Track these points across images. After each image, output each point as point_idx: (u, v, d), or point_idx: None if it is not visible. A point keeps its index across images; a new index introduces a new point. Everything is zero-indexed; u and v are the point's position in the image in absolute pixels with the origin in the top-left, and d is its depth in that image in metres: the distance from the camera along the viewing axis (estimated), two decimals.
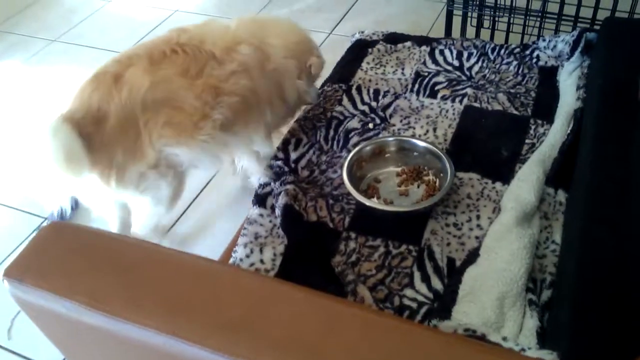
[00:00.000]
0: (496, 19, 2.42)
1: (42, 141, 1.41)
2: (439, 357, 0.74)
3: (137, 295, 0.84)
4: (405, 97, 1.78)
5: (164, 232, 1.90)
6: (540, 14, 2.29)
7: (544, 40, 1.88)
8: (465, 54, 1.91)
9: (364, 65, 1.92)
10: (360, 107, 1.74)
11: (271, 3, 3.51)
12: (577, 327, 0.98)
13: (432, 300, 1.20)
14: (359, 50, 1.99)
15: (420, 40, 2.01)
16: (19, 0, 3.80)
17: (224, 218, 2.10)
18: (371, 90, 1.80)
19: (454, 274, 1.24)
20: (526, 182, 1.37)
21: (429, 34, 2.89)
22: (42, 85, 3.04)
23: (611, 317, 0.96)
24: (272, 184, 1.50)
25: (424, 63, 1.90)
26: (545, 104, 1.67)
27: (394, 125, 1.68)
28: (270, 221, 1.42)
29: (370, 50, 1.98)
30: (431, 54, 1.93)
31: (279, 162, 1.57)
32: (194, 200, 2.23)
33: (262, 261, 1.31)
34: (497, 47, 1.91)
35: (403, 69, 1.90)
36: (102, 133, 1.38)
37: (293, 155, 1.61)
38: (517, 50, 1.89)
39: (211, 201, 2.24)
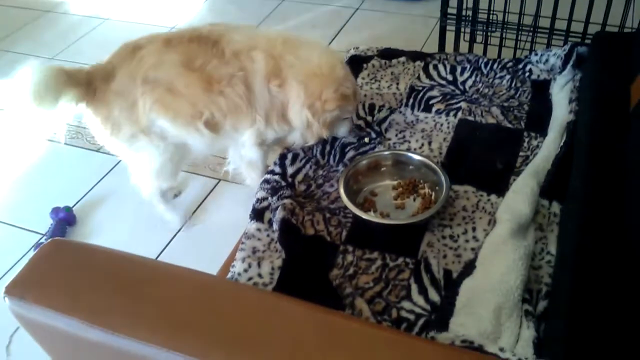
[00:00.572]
0: (489, 34, 2.45)
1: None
2: None
3: (137, 311, 0.85)
4: (400, 112, 1.80)
5: (168, 200, 2.14)
6: (532, 29, 2.33)
7: (536, 54, 1.91)
8: (459, 69, 1.94)
9: (359, 80, 1.94)
10: (356, 121, 1.75)
11: (268, 18, 3.55)
12: (572, 338, 0.98)
13: (429, 312, 1.21)
14: (354, 65, 2.01)
15: (415, 56, 2.04)
16: (17, 19, 3.83)
17: (222, 232, 2.10)
18: (366, 105, 1.82)
19: (450, 285, 1.25)
20: (521, 194, 1.39)
21: (422, 49, 2.93)
22: None
23: (606, 328, 0.97)
24: (269, 198, 1.51)
25: (418, 78, 1.93)
26: (538, 117, 1.69)
27: (389, 139, 1.70)
28: (268, 235, 1.43)
29: (365, 65, 2.00)
30: (425, 68, 1.96)
31: (276, 177, 1.59)
32: (192, 214, 2.24)
33: (260, 275, 1.32)
34: (490, 62, 1.93)
35: (398, 83, 1.92)
36: (106, 89, 1.62)
37: (290, 170, 1.62)
38: (510, 64, 1.91)
39: (209, 215, 2.25)
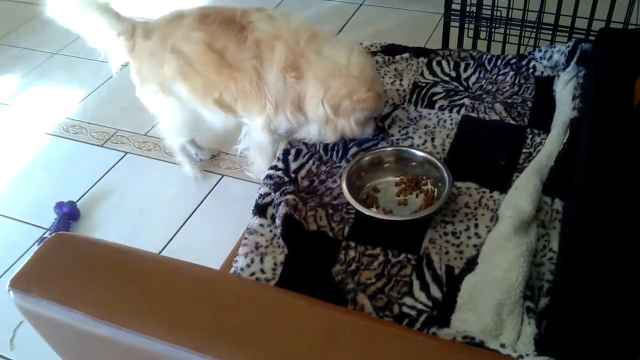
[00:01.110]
0: (493, 30, 2.44)
1: None
2: None
3: (142, 305, 0.85)
4: (404, 108, 1.80)
5: (188, 156, 2.33)
6: (536, 25, 2.32)
7: (540, 51, 1.90)
8: (463, 65, 1.93)
9: None
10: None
11: None
12: (573, 334, 0.99)
13: (431, 308, 1.21)
14: None
15: (418, 52, 2.04)
16: (20, 14, 3.83)
17: (224, 228, 2.11)
18: None
19: (452, 282, 1.25)
20: (523, 191, 1.39)
21: (426, 45, 2.93)
22: (43, 98, 3.06)
23: (607, 324, 0.98)
24: (272, 194, 1.52)
25: (422, 74, 1.93)
26: (542, 113, 1.69)
27: (392, 135, 1.70)
28: (271, 231, 1.43)
29: None
30: (429, 65, 1.96)
31: (279, 172, 1.59)
32: (195, 210, 2.25)
33: (262, 271, 1.33)
34: (494, 58, 1.93)
35: (401, 80, 1.92)
36: (142, 46, 1.81)
37: (293, 166, 1.62)
38: (514, 60, 1.91)
39: (212, 211, 2.25)
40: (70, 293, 0.87)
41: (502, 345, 1.05)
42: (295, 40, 1.61)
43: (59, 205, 2.23)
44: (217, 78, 1.71)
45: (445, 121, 1.72)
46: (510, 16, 2.35)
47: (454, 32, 2.52)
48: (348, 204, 1.45)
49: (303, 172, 1.61)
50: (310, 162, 1.64)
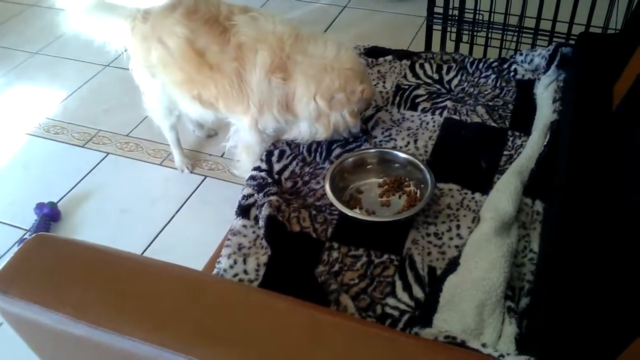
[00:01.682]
0: (475, 33, 2.47)
1: None
2: None
3: (123, 306, 0.85)
4: (387, 110, 1.81)
5: (180, 147, 2.37)
6: (517, 29, 2.35)
7: (521, 54, 1.92)
8: (445, 68, 1.95)
9: None
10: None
11: None
12: (553, 334, 1.00)
13: (413, 309, 1.22)
14: None
15: (401, 54, 2.05)
16: (0, 13, 3.79)
17: (207, 229, 2.11)
18: None
19: (434, 282, 1.26)
20: (504, 193, 1.40)
21: (409, 48, 2.94)
22: (23, 98, 3.02)
23: (586, 324, 0.99)
24: (255, 195, 1.51)
25: (405, 76, 1.94)
26: (523, 116, 1.71)
27: (375, 137, 1.71)
28: (254, 232, 1.43)
29: None
30: (412, 67, 1.97)
31: (263, 174, 1.59)
32: (178, 211, 2.24)
33: (245, 272, 1.32)
34: (476, 61, 1.95)
35: (384, 82, 1.93)
36: (139, 29, 1.86)
37: (276, 167, 1.62)
38: (495, 64, 1.93)
39: (195, 212, 2.24)
40: (50, 294, 0.86)
41: (484, 345, 1.06)
42: (280, 45, 1.61)
43: (39, 206, 2.20)
44: (196, 76, 1.73)
45: (427, 123, 1.73)
46: (492, 20, 2.37)
47: (436, 35, 2.54)
48: (331, 205, 1.45)
49: (286, 173, 1.61)
50: (294, 163, 1.64)
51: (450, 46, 2.54)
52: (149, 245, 2.11)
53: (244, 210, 1.48)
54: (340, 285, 1.27)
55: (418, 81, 1.91)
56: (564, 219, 1.24)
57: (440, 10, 2.43)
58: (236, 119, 1.82)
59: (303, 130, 1.69)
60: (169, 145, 2.38)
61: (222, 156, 2.48)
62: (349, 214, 1.41)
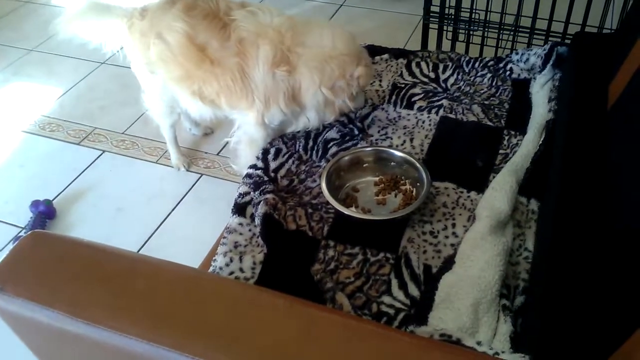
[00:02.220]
0: (471, 32, 2.47)
1: None
2: None
3: (119, 304, 0.85)
4: (383, 108, 1.81)
5: (177, 146, 2.38)
6: (513, 29, 2.36)
7: (517, 53, 1.93)
8: (441, 67, 1.95)
9: None
10: (339, 117, 1.76)
11: None
12: (547, 332, 1.01)
13: (409, 307, 1.22)
14: None
15: (397, 53, 2.05)
16: None
17: (203, 227, 2.11)
18: None
19: (430, 280, 1.27)
20: (500, 192, 1.41)
21: (405, 46, 2.95)
22: (19, 95, 3.02)
23: (580, 322, 1.00)
24: (251, 193, 1.52)
25: (401, 75, 1.94)
26: (518, 115, 1.72)
27: (371, 135, 1.71)
28: (250, 230, 1.43)
29: None
30: (408, 66, 1.97)
31: (259, 172, 1.59)
32: (173, 209, 2.24)
33: (241, 270, 1.33)
34: (472, 60, 1.95)
35: (380, 80, 1.93)
36: (137, 27, 1.87)
37: (272, 165, 1.62)
38: (491, 63, 1.94)
39: (191, 210, 2.24)
40: (46, 291, 0.86)
41: (479, 343, 1.06)
42: (280, 38, 1.62)
43: (35, 204, 2.20)
44: (196, 72, 1.73)
45: (423, 122, 1.74)
46: (488, 19, 2.38)
47: (433, 34, 2.54)
48: (327, 203, 1.45)
49: (282, 172, 1.61)
50: (290, 161, 1.64)
51: (446, 45, 2.54)
52: (144, 243, 2.11)
53: (240, 208, 1.48)
54: (336, 283, 1.28)
55: (414, 80, 1.92)
56: (559, 218, 1.24)
57: (437, 9, 2.43)
58: (240, 115, 1.82)
59: (311, 118, 1.72)
60: (165, 143, 2.38)
61: (218, 154, 2.48)
62: (345, 213, 1.41)
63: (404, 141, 1.67)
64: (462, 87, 1.86)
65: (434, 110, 1.77)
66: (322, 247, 1.37)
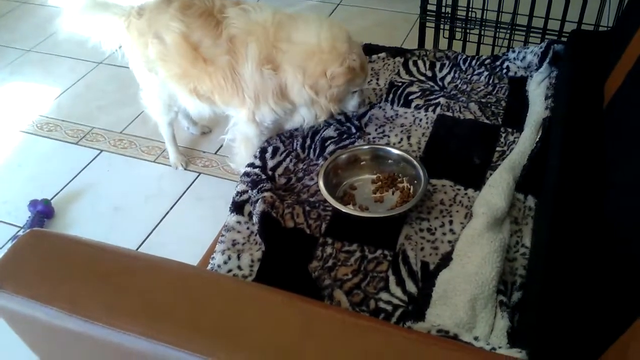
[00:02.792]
0: (467, 31, 2.48)
1: None
2: (413, 355, 0.77)
3: (118, 301, 0.85)
4: (380, 107, 1.81)
5: (175, 144, 2.39)
6: (510, 27, 2.36)
7: (513, 51, 1.94)
8: (438, 65, 1.96)
9: None
10: (336, 116, 1.77)
11: None
12: (545, 327, 1.01)
13: (406, 303, 1.23)
14: None
15: (394, 52, 2.06)
16: None
17: (201, 225, 2.11)
18: None
19: (427, 277, 1.27)
20: (497, 189, 1.41)
21: (402, 45, 2.95)
22: (17, 95, 3.01)
23: (577, 318, 1.00)
24: (249, 191, 1.52)
25: (398, 73, 1.95)
26: (515, 113, 1.72)
27: (369, 134, 1.71)
28: (248, 228, 1.44)
29: None
30: (405, 64, 1.98)
31: (256, 170, 1.59)
32: (171, 207, 2.24)
33: (239, 267, 1.33)
34: (469, 58, 1.96)
35: (378, 79, 1.94)
36: (135, 25, 1.88)
37: (270, 163, 1.63)
38: (488, 61, 1.94)
39: (189, 208, 2.25)
40: (44, 289, 0.87)
41: (476, 339, 1.07)
42: (265, 34, 1.61)
43: (33, 204, 2.20)
44: (192, 70, 1.75)
45: (421, 120, 1.74)
46: (484, 17, 2.38)
47: (429, 33, 2.55)
48: (325, 201, 1.46)
49: (280, 170, 1.62)
50: (288, 159, 1.65)
51: (443, 43, 2.55)
52: (143, 242, 2.11)
53: (238, 207, 1.49)
54: (334, 280, 1.28)
55: (411, 78, 1.92)
56: (555, 215, 1.25)
57: (434, 8, 2.44)
58: (234, 112, 1.83)
59: (305, 115, 1.71)
60: (163, 142, 2.39)
61: (216, 153, 2.48)
62: (343, 210, 1.42)
63: (401, 139, 1.67)
64: (459, 85, 1.87)
65: (431, 108, 1.78)
66: (320, 244, 1.37)
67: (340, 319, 0.83)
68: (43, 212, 2.19)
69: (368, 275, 1.29)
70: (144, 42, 1.85)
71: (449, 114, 1.75)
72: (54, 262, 0.93)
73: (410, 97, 1.83)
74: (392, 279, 1.28)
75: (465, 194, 1.48)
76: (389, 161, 1.58)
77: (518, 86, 1.84)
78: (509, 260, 1.30)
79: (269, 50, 1.60)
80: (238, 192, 1.53)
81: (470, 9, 2.39)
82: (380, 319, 1.19)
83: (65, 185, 2.38)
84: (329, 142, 1.69)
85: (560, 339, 0.97)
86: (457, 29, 2.50)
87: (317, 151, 1.67)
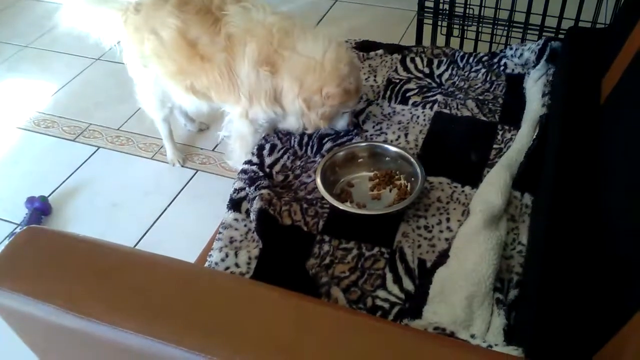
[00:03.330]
0: (465, 28, 2.48)
1: None
2: (409, 352, 0.77)
3: (115, 298, 0.85)
4: (378, 104, 1.81)
5: (172, 140, 2.38)
6: (507, 24, 2.36)
7: (511, 48, 1.93)
8: (436, 62, 1.96)
9: None
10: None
11: None
12: (541, 324, 1.02)
13: (403, 301, 1.23)
14: None
15: (392, 48, 2.06)
16: None
17: (199, 222, 2.11)
18: None
19: (424, 274, 1.28)
20: (494, 186, 1.41)
21: (400, 42, 2.94)
22: (14, 91, 3.01)
23: (573, 315, 1.01)
24: (247, 188, 1.52)
25: (396, 70, 1.95)
26: (512, 110, 1.72)
27: (366, 131, 1.71)
28: (245, 225, 1.44)
29: None
30: (402, 61, 1.98)
31: (254, 167, 1.59)
32: (169, 204, 2.24)
33: (237, 265, 1.33)
34: (466, 55, 1.96)
35: (375, 76, 1.94)
36: (132, 21, 1.87)
37: (268, 160, 1.63)
38: (485, 58, 1.94)
39: (186, 205, 2.25)
40: (42, 286, 0.87)
41: (472, 336, 1.07)
42: (268, 37, 1.61)
43: (30, 200, 2.20)
44: (188, 67, 1.74)
45: (418, 117, 1.74)
46: (482, 14, 2.38)
47: (427, 30, 2.55)
48: (322, 198, 1.46)
49: (278, 167, 1.62)
50: (285, 157, 1.65)
51: (440, 40, 2.55)
52: (140, 239, 2.11)
53: (235, 204, 1.49)
54: (331, 278, 1.28)
55: (409, 75, 1.92)
56: (552, 212, 1.25)
57: (431, 5, 2.44)
58: (229, 108, 1.84)
59: (292, 123, 1.71)
60: (160, 139, 2.38)
61: (213, 150, 2.48)
62: (340, 208, 1.42)
63: (399, 136, 1.67)
64: (457, 82, 1.87)
65: (428, 106, 1.78)
66: (317, 242, 1.38)
67: (338, 316, 0.83)
68: (40, 209, 2.19)
69: (365, 272, 1.30)
70: (140, 38, 1.85)
71: (447, 111, 1.75)
72: (52, 259, 0.92)
73: (407, 94, 1.83)
74: (389, 277, 1.28)
75: (463, 191, 1.48)
76: (387, 158, 1.59)
77: (515, 83, 1.84)
78: (505, 258, 1.30)
79: (270, 53, 1.60)
80: (235, 190, 1.53)
81: (467, 6, 2.38)
82: (377, 316, 1.19)
83: (63, 182, 2.37)
84: (326, 139, 1.69)
85: (557, 336, 0.97)
86: (455, 26, 2.50)
87: (315, 148, 1.67)
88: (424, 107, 1.77)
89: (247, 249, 1.37)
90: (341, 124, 1.70)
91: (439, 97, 1.80)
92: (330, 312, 0.83)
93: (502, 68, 1.90)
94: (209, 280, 0.90)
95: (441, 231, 1.38)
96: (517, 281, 1.25)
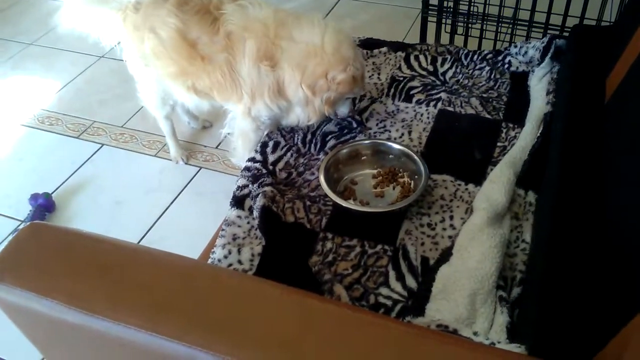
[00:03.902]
0: (469, 25, 2.47)
1: None
2: (412, 349, 0.77)
3: (118, 294, 0.85)
4: (381, 101, 1.81)
5: (175, 138, 2.38)
6: (511, 21, 2.35)
7: (515, 46, 1.93)
8: (440, 60, 1.95)
9: None
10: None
11: None
12: (544, 322, 1.01)
13: (406, 298, 1.23)
14: None
15: (396, 46, 2.05)
16: None
17: (202, 220, 2.11)
18: None
19: (427, 272, 1.27)
20: (497, 184, 1.41)
21: (404, 39, 2.94)
22: (18, 89, 3.01)
23: (576, 313, 1.00)
24: (250, 185, 1.52)
25: (400, 68, 1.94)
26: (517, 108, 1.72)
27: (370, 128, 1.71)
28: (248, 222, 1.44)
29: None
30: (406, 59, 1.98)
31: (257, 164, 1.59)
32: (172, 202, 2.24)
33: (240, 262, 1.33)
34: (470, 53, 1.96)
35: (379, 73, 1.93)
36: (131, 20, 1.87)
37: (271, 158, 1.63)
38: (490, 56, 1.94)
39: (189, 202, 2.25)
40: (44, 282, 0.87)
41: (475, 334, 1.07)
42: (264, 30, 1.61)
43: (34, 197, 2.21)
44: (189, 68, 1.74)
45: (422, 115, 1.74)
46: (486, 12, 2.38)
47: (431, 27, 2.54)
48: (325, 195, 1.46)
49: (281, 164, 1.62)
50: (289, 154, 1.65)
51: (445, 38, 2.54)
52: (143, 236, 2.12)
53: (238, 201, 1.49)
54: (334, 275, 1.28)
55: (413, 73, 1.92)
56: (556, 210, 1.25)
57: (435, 2, 2.43)
58: (232, 107, 1.84)
59: (299, 114, 1.70)
60: (163, 136, 2.39)
61: (217, 147, 2.48)
62: (343, 205, 1.42)
63: (402, 134, 1.67)
64: (461, 80, 1.87)
65: (432, 103, 1.77)
66: (320, 239, 1.38)
67: (340, 313, 0.83)
68: (44, 205, 2.19)
69: (368, 270, 1.30)
70: (139, 37, 1.85)
71: (450, 108, 1.75)
72: (55, 255, 0.93)
73: (411, 92, 1.83)
74: (392, 274, 1.28)
75: (466, 189, 1.48)
76: (390, 156, 1.58)
77: (520, 81, 1.83)
78: (509, 256, 1.30)
79: (268, 46, 1.60)
80: (239, 187, 1.53)
81: (472, 4, 2.38)
82: (380, 313, 1.19)
83: (67, 179, 2.38)
84: (329, 136, 1.69)
85: (560, 334, 0.97)
86: (459, 24, 2.50)
87: (318, 146, 1.67)
88: (427, 105, 1.77)
89: (250, 246, 1.37)
90: (343, 110, 1.70)
91: (443, 95, 1.79)
92: (333, 309, 0.83)
93: (506, 66, 1.89)
94: (212, 276, 0.90)
95: (444, 229, 1.38)
96: (520, 279, 1.24)
